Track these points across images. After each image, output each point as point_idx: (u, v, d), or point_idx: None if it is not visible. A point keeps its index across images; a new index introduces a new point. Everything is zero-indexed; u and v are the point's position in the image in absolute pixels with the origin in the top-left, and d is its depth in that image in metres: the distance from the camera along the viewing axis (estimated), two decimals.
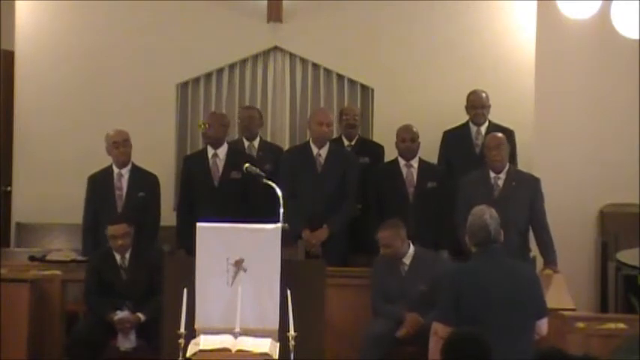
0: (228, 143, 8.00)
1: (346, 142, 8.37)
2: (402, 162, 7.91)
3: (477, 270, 5.51)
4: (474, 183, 7.50)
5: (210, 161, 7.85)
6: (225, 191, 7.73)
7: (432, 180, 7.85)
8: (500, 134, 7.67)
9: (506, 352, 5.08)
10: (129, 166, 7.81)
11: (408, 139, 7.87)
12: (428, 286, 6.88)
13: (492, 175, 7.51)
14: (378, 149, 8.39)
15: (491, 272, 5.47)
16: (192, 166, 7.97)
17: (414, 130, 7.91)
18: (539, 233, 7.53)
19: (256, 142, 8.31)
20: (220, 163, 7.83)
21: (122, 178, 7.78)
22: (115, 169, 7.79)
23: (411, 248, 7.09)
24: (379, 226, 7.10)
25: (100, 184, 7.81)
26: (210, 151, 7.88)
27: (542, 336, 5.56)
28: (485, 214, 5.61)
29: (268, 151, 8.28)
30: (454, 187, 7.68)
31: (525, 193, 7.46)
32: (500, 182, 7.49)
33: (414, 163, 7.89)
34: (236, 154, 7.85)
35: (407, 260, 7.07)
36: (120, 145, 7.73)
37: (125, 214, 7.49)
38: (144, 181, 7.82)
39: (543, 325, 5.57)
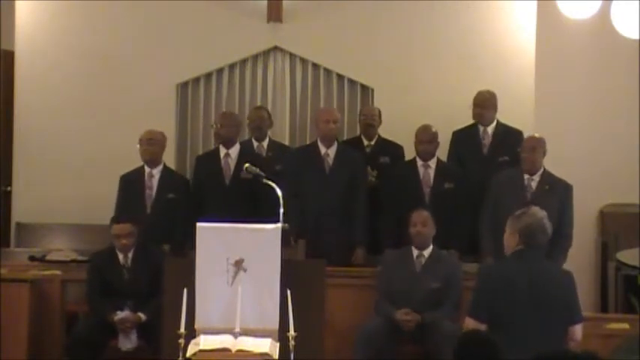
0: (240, 143, 8.00)
1: (366, 142, 8.35)
2: (419, 162, 7.85)
3: (516, 270, 5.50)
4: (505, 183, 7.47)
5: (222, 161, 7.84)
6: (236, 191, 7.70)
7: (449, 181, 7.78)
8: (538, 135, 7.63)
9: (532, 354, 5.06)
10: (160, 167, 7.80)
11: (425, 141, 7.80)
12: (441, 284, 6.92)
13: (526, 176, 7.47)
14: (398, 149, 8.34)
15: (528, 273, 5.46)
16: (204, 166, 7.97)
17: (433, 130, 7.84)
18: (559, 240, 7.33)
19: (265, 143, 8.30)
20: (232, 162, 7.81)
21: (153, 178, 7.77)
22: (147, 169, 7.78)
23: (431, 245, 7.15)
24: (413, 211, 7.16)
25: (130, 184, 7.78)
26: (223, 151, 7.87)
27: (576, 342, 5.52)
28: (545, 217, 5.60)
29: (278, 151, 8.27)
30: (470, 188, 7.68)
31: (556, 199, 7.38)
32: (534, 184, 7.44)
33: (432, 163, 7.83)
34: (248, 155, 7.81)
35: (426, 253, 7.11)
36: (144, 143, 7.73)
37: (130, 215, 7.47)
38: (174, 183, 7.81)
39: (577, 331, 5.54)
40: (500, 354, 4.49)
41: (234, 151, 7.85)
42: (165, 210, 7.64)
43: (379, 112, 8.46)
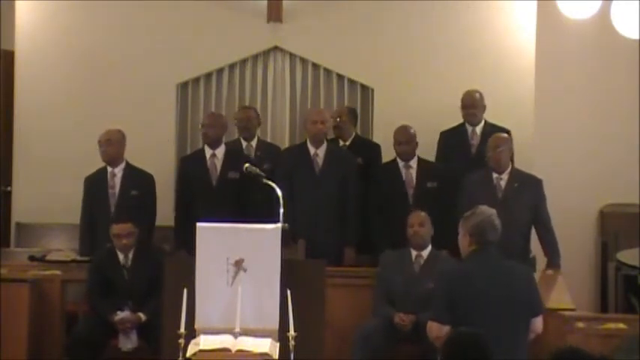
0: (225, 144, 8.01)
1: (341, 143, 8.35)
2: (400, 163, 7.89)
3: (474, 270, 5.47)
4: (476, 183, 7.49)
5: (209, 161, 7.86)
6: (222, 191, 7.73)
7: (431, 180, 7.81)
8: (502, 135, 7.66)
9: (501, 353, 5.06)
10: (122, 165, 7.87)
11: (402, 142, 7.83)
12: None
13: (495, 175, 7.50)
14: (375, 148, 8.35)
15: (487, 272, 5.43)
16: (189, 167, 7.97)
17: (411, 131, 7.87)
18: (544, 235, 7.52)
19: (254, 142, 8.31)
20: (218, 163, 7.84)
21: (115, 177, 7.85)
22: (109, 169, 7.86)
23: (430, 245, 7.15)
24: (410, 213, 7.19)
25: (94, 185, 7.87)
26: (209, 152, 7.88)
27: (537, 334, 5.53)
28: (493, 214, 5.58)
29: (266, 150, 8.28)
30: (454, 186, 7.66)
31: (528, 195, 7.46)
32: (503, 183, 7.48)
33: (413, 163, 7.87)
34: (234, 155, 7.87)
35: (425, 254, 7.10)
36: (102, 145, 7.82)
37: (130, 214, 7.50)
38: (138, 180, 7.86)
39: (538, 323, 5.50)
40: (490, 353, 4.48)
41: (220, 151, 7.87)
42: (130, 207, 7.67)
43: (347, 111, 8.42)
